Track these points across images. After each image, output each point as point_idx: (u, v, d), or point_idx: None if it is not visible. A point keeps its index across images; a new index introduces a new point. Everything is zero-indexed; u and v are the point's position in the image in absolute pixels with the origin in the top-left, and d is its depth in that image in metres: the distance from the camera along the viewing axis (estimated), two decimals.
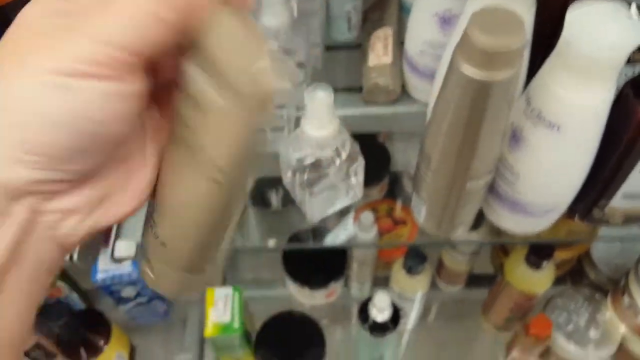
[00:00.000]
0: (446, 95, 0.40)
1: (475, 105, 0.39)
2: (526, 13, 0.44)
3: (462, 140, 0.41)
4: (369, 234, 0.73)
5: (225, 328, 0.78)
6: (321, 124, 0.47)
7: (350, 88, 0.65)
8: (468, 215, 0.50)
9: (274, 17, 0.55)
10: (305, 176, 0.52)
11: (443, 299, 1.01)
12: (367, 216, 0.72)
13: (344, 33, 0.68)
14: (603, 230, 0.63)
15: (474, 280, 0.98)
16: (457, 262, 0.91)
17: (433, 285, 0.99)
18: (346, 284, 0.98)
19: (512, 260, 0.79)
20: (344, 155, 0.51)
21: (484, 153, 0.43)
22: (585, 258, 0.90)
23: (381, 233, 0.77)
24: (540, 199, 0.47)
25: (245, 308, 0.88)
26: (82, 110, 0.19)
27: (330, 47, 0.69)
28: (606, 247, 0.88)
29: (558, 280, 0.93)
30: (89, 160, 0.21)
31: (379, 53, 0.60)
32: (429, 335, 0.98)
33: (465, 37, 0.36)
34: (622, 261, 0.86)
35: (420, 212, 0.52)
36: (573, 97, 0.39)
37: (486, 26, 0.35)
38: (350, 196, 0.57)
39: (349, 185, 0.55)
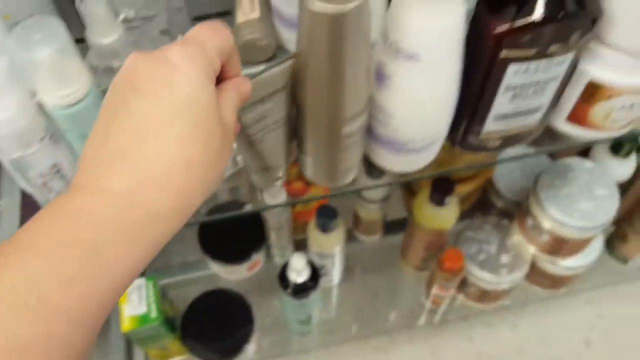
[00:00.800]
0: (302, 37, 0.39)
1: (331, 41, 0.37)
2: None
3: (326, 82, 0.40)
4: (279, 200, 0.72)
5: (143, 319, 0.76)
6: None
7: None
8: (352, 160, 0.49)
9: None
10: None
11: (364, 250, 1.02)
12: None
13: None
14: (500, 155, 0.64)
15: (390, 227, 1.00)
16: (370, 212, 0.92)
17: (352, 238, 1.00)
18: (268, 254, 0.97)
19: (418, 202, 0.80)
20: None
21: (352, 92, 0.42)
22: (490, 188, 0.93)
23: (295, 196, 0.76)
24: (415, 135, 0.47)
25: (165, 295, 0.85)
26: None
27: (202, 17, 0.66)
28: (507, 174, 0.91)
29: (468, 214, 0.96)
30: None
31: (246, 10, 0.58)
32: (355, 287, 0.99)
33: None
34: (524, 184, 0.89)
35: (307, 167, 0.51)
36: (423, 23, 0.39)
37: None
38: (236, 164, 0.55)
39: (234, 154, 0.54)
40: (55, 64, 0.41)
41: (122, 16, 0.53)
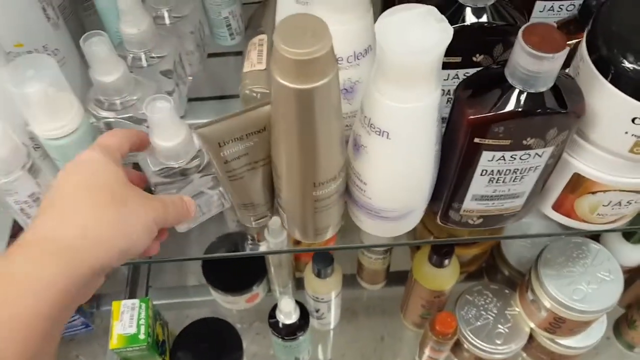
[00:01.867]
0: (275, 105, 0.40)
1: (300, 113, 0.38)
2: (363, 18, 0.44)
3: (299, 150, 0.41)
4: (279, 239, 0.73)
5: (131, 339, 0.77)
6: (167, 135, 0.46)
7: (232, 95, 0.65)
8: (328, 220, 0.50)
9: (134, 25, 0.53)
10: (171, 187, 0.51)
11: (366, 296, 1.01)
12: (275, 221, 0.72)
13: (226, 39, 0.67)
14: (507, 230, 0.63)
15: (394, 277, 0.99)
16: (372, 262, 0.91)
17: (355, 283, 0.99)
18: (269, 288, 0.97)
19: (418, 259, 0.79)
20: (203, 162, 0.50)
21: (324, 161, 0.43)
22: (497, 253, 0.91)
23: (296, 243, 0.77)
24: (390, 205, 0.47)
25: (160, 317, 0.87)
26: None
27: (216, 54, 0.68)
28: (516, 242, 0.89)
29: (474, 276, 0.94)
30: None
31: (253, 60, 0.60)
32: (353, 333, 0.98)
33: (274, 49, 0.36)
34: (532, 254, 0.86)
35: (282, 219, 0.52)
36: (394, 104, 0.39)
37: (291, 36, 0.35)
38: (222, 204, 0.56)
39: (221, 192, 0.55)
40: (46, 99, 0.44)
41: (130, 57, 0.55)
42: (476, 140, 0.41)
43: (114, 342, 0.77)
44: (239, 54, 0.66)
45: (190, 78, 0.64)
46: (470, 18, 0.44)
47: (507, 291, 0.85)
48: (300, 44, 0.35)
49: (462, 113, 0.41)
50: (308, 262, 0.89)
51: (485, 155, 0.43)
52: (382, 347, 0.98)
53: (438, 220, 0.52)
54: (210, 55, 0.67)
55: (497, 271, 0.92)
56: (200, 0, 0.64)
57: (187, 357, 0.88)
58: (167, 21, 0.60)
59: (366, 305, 1.01)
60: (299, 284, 0.95)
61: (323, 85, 0.37)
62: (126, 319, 0.79)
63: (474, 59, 0.46)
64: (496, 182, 0.45)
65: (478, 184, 0.46)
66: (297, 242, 0.91)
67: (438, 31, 0.37)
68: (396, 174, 0.44)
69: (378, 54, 0.38)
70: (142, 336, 0.78)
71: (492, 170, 0.44)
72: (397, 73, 0.37)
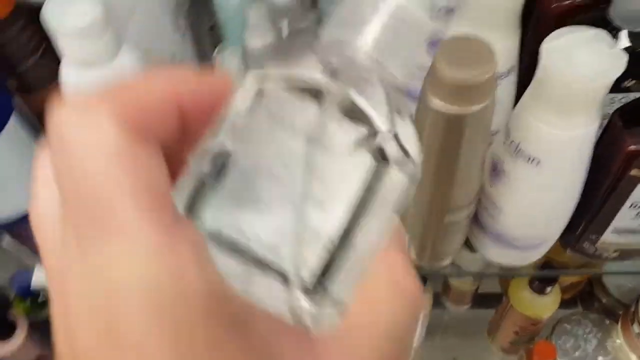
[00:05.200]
0: (419, 128, 0.39)
1: (448, 138, 0.37)
2: (509, 38, 0.42)
3: (437, 173, 0.40)
4: None
5: None
6: None
7: None
8: (451, 246, 0.48)
9: (259, 38, 0.53)
10: None
11: (450, 318, 0.98)
12: None
13: None
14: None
15: (481, 299, 0.96)
16: (462, 283, 0.89)
17: (440, 304, 0.97)
18: None
19: (516, 284, 0.76)
20: None
21: (461, 186, 0.41)
22: (595, 280, 0.87)
23: None
24: (524, 233, 0.45)
25: None
26: None
27: None
28: (618, 270, 0.85)
29: (568, 303, 0.90)
30: None
31: None
32: (434, 355, 0.96)
33: (433, 69, 0.34)
34: (634, 284, 0.82)
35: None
36: (552, 131, 0.37)
37: (454, 58, 0.34)
38: None
39: None
40: None
41: None
42: (633, 172, 0.39)
43: None
44: None
45: None
46: (624, 42, 0.41)
47: (607, 321, 0.81)
48: (463, 67, 0.33)
49: (620, 142, 0.39)
50: None
51: None
52: None
53: (568, 251, 0.49)
54: None
55: (594, 299, 0.88)
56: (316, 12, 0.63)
57: None
58: (286, 34, 0.60)
59: (445, 325, 0.99)
60: None
61: (480, 110, 0.35)
62: None
63: (625, 83, 0.43)
64: None
65: (623, 217, 0.43)
66: None
67: (609, 57, 0.34)
68: (539, 204, 0.42)
69: (540, 76, 0.36)
70: None
71: None
72: (561, 98, 0.35)
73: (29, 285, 0.61)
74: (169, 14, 0.51)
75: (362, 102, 0.16)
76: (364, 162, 0.15)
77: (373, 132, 0.15)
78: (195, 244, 0.14)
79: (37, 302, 0.75)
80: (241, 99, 0.16)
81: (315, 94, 0.15)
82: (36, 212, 0.15)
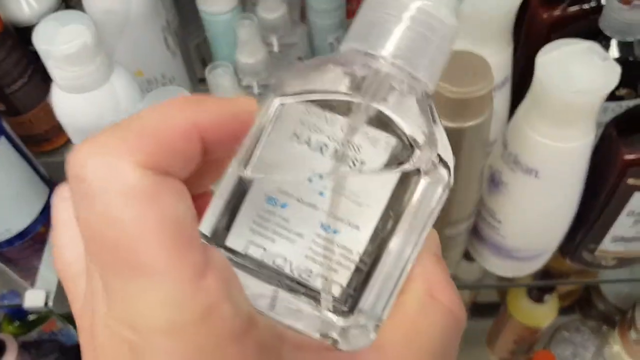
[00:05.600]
0: None
1: None
2: (502, 49, 0.42)
3: None
4: None
5: None
6: None
7: None
8: (451, 260, 0.48)
9: (251, 55, 0.53)
10: None
11: None
12: None
13: None
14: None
15: (479, 309, 0.95)
16: (460, 293, 0.88)
17: None
18: None
19: (514, 293, 0.76)
20: None
21: (461, 199, 0.41)
22: (593, 287, 0.87)
23: None
24: (524, 244, 0.45)
25: None
26: None
27: None
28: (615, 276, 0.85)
29: (566, 310, 0.90)
30: None
31: None
32: None
33: None
34: (632, 291, 0.82)
35: None
36: (549, 142, 0.37)
37: (450, 73, 0.34)
38: None
39: None
40: None
41: (243, 85, 0.55)
42: (630, 181, 0.39)
43: None
44: None
45: None
46: (615, 51, 0.41)
47: (605, 327, 0.80)
48: (460, 83, 0.33)
49: (616, 152, 0.39)
50: None
51: (637, 197, 0.40)
52: None
53: (567, 260, 0.49)
54: None
55: (592, 306, 0.87)
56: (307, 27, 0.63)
57: None
58: (275, 49, 0.60)
59: None
60: None
61: (477, 124, 0.35)
62: None
63: (617, 92, 0.43)
64: None
65: (621, 225, 0.43)
66: None
67: (604, 69, 0.34)
68: (538, 215, 0.42)
69: (535, 89, 0.36)
70: None
71: None
72: (558, 110, 0.35)
73: (18, 306, 0.60)
74: (157, 33, 0.50)
75: (390, 113, 0.15)
76: (395, 175, 0.15)
77: (404, 144, 0.15)
78: (224, 274, 0.13)
79: (27, 322, 0.74)
80: (265, 123, 0.16)
81: (342, 109, 0.15)
82: (61, 260, 0.15)
